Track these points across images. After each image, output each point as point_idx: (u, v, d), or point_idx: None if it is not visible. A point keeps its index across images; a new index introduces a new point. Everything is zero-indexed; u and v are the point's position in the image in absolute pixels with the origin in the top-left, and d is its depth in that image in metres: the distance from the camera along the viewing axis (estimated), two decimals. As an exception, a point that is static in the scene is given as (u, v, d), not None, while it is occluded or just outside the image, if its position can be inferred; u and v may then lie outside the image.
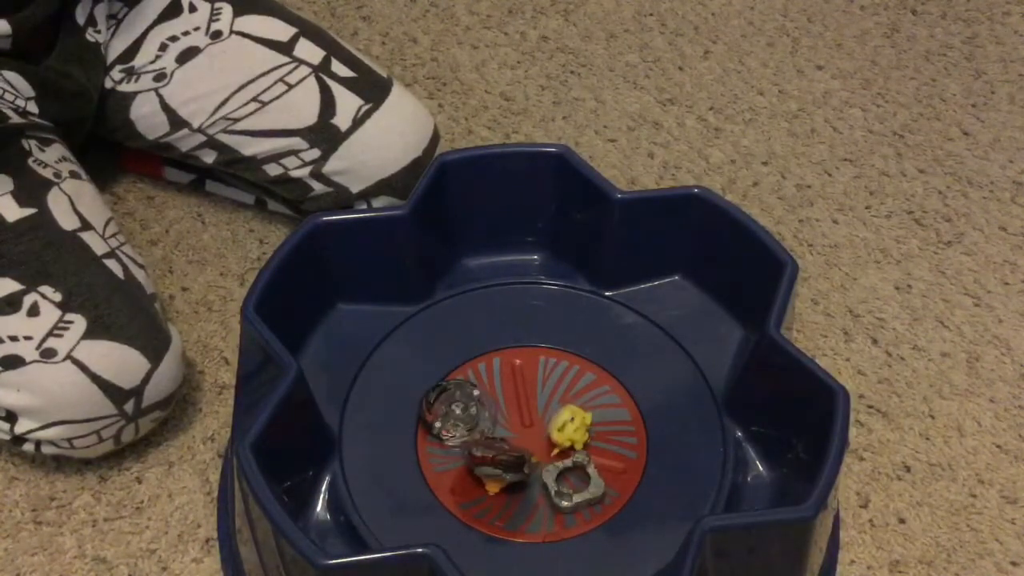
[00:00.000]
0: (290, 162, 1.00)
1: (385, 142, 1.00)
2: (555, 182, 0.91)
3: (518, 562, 0.79)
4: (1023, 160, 1.23)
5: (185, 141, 1.03)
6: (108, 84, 1.02)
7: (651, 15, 1.39)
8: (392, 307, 0.92)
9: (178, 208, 1.13)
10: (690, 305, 0.93)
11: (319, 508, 0.81)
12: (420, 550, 0.69)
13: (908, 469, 0.96)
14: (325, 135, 0.99)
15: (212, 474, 0.93)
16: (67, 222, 0.90)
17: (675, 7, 1.40)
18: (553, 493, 0.81)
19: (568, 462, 0.83)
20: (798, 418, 0.79)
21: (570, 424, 0.83)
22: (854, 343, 1.05)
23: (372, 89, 1.01)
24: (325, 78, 1.00)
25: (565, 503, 0.81)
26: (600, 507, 0.81)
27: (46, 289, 0.86)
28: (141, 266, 0.94)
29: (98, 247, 0.90)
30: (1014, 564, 0.90)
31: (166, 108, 1.01)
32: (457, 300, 0.93)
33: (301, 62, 1.01)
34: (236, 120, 1.00)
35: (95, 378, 0.84)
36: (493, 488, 0.81)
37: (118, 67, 1.02)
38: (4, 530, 0.90)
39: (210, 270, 1.08)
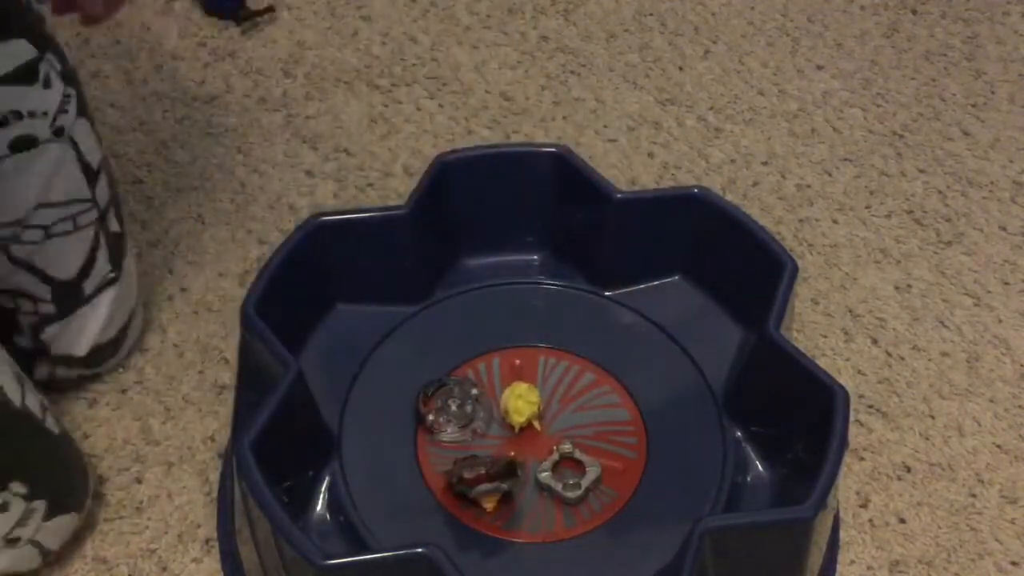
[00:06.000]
0: (24, 304, 0.91)
1: (106, 320, 0.95)
2: (555, 182, 0.91)
3: (518, 562, 0.78)
4: (1023, 160, 1.23)
5: None
6: None
7: (651, 15, 1.39)
8: (392, 307, 0.92)
9: (178, 208, 1.13)
10: (690, 305, 0.93)
11: (319, 508, 0.81)
12: (420, 550, 0.69)
13: (908, 469, 0.96)
14: (69, 295, 0.92)
15: (212, 474, 0.93)
16: (14, 389, 0.81)
17: (675, 7, 1.40)
18: (561, 489, 0.81)
19: (555, 456, 0.83)
20: (798, 418, 0.79)
21: (521, 399, 0.84)
22: (854, 343, 1.05)
23: (117, 257, 0.94)
24: (100, 232, 0.93)
25: (575, 494, 0.80)
26: (604, 493, 0.81)
27: (16, 486, 0.81)
28: (45, 406, 0.86)
29: (36, 408, 0.83)
30: (1014, 564, 0.90)
31: None
32: (457, 300, 0.93)
33: (94, 204, 0.91)
34: (19, 240, 0.88)
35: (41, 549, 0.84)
36: (490, 504, 0.80)
37: None
38: (4, 530, 0.90)
39: (210, 270, 1.08)
